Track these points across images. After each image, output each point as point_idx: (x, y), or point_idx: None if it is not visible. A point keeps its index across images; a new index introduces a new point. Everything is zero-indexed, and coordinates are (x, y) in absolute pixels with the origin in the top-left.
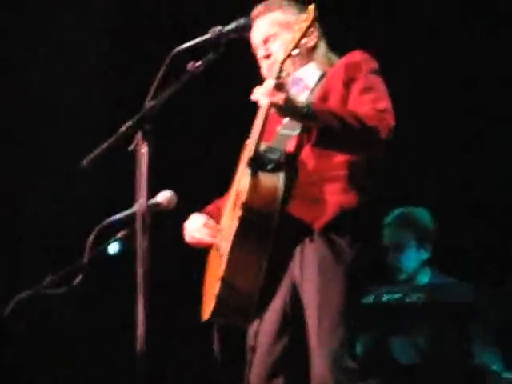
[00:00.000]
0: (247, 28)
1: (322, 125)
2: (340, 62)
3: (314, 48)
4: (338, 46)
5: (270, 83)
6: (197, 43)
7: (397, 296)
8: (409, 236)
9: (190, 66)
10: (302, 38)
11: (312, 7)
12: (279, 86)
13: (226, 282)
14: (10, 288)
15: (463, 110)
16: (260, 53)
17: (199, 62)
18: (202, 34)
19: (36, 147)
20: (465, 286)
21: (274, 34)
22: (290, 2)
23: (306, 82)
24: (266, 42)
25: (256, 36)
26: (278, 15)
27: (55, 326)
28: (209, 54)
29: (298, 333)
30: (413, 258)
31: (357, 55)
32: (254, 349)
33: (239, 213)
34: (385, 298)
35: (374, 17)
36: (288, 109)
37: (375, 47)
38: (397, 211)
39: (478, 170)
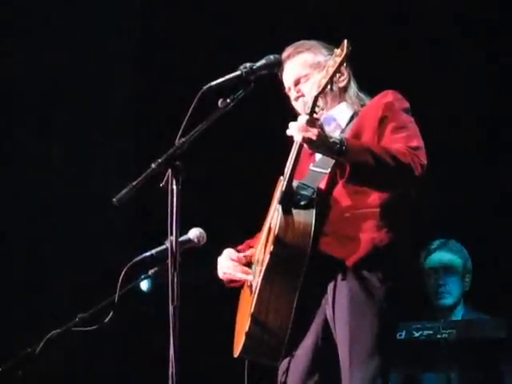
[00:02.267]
0: (277, 64)
1: (354, 161)
2: (372, 102)
3: (345, 88)
4: (367, 86)
5: (303, 118)
6: (227, 80)
7: (428, 332)
8: (458, 263)
9: (220, 102)
10: (335, 72)
11: (346, 42)
12: (312, 122)
13: (256, 318)
14: (41, 326)
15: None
16: (292, 94)
17: (229, 99)
18: (232, 71)
19: (64, 182)
20: (497, 322)
21: (305, 75)
22: (318, 42)
23: (338, 121)
24: (297, 83)
25: (287, 78)
26: (307, 56)
27: (85, 364)
28: (239, 90)
29: (330, 370)
30: (459, 285)
31: (389, 95)
32: None
33: (271, 248)
34: (416, 334)
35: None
36: (321, 144)
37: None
38: (442, 240)
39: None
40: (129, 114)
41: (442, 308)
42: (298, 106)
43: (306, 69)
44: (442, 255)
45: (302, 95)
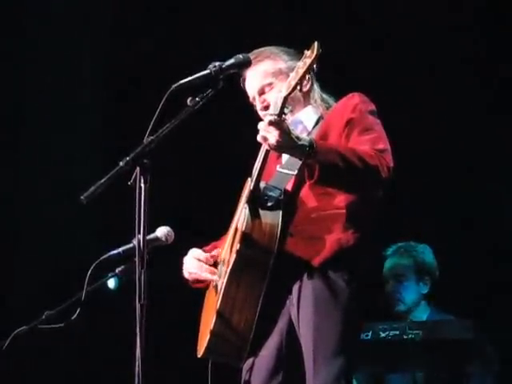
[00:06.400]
0: (246, 63)
1: (323, 162)
2: (338, 105)
3: (309, 91)
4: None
5: (266, 119)
6: (196, 79)
7: (395, 332)
8: (409, 268)
9: (189, 101)
10: (305, 73)
11: (316, 43)
12: (277, 123)
13: (221, 316)
14: (7, 323)
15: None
16: (258, 105)
17: (198, 98)
18: (201, 70)
19: (32, 180)
20: (463, 323)
21: (269, 83)
22: (277, 47)
23: (305, 124)
24: (261, 93)
25: (250, 88)
26: (268, 65)
27: (52, 361)
28: (208, 89)
29: (294, 371)
30: (412, 291)
31: (355, 97)
32: None
33: (237, 247)
34: (382, 334)
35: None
36: (287, 146)
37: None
38: (399, 244)
39: (479, 207)
40: (96, 112)
41: (397, 313)
42: (264, 116)
43: (268, 78)
44: (392, 262)
45: (268, 105)
